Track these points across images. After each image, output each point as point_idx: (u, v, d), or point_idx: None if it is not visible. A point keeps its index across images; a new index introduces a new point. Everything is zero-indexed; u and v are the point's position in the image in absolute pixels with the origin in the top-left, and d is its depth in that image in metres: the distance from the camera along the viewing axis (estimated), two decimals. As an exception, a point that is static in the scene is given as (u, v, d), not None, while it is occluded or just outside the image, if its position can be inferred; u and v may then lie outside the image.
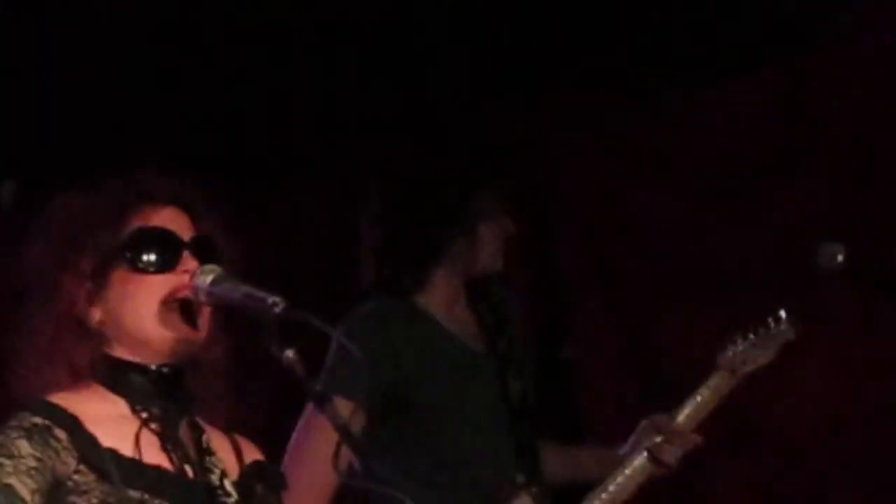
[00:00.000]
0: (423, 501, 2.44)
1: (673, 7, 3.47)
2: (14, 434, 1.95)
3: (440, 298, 2.95)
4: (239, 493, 2.07)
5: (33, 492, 1.92)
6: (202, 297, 1.97)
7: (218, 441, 2.13)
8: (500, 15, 3.47)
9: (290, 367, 1.86)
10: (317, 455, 2.71)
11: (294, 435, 2.84)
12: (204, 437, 2.11)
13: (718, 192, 3.89)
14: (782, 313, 2.99)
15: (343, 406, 2.36)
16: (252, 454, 2.18)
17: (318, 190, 3.97)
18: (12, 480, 1.93)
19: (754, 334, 2.99)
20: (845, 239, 2.86)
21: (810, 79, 3.71)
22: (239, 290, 1.95)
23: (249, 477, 2.13)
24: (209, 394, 2.11)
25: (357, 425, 2.58)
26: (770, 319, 2.99)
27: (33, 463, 1.96)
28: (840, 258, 2.63)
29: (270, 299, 1.89)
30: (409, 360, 2.86)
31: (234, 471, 2.11)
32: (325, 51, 3.72)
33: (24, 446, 1.95)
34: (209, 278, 1.96)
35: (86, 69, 3.64)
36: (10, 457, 1.94)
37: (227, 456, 2.14)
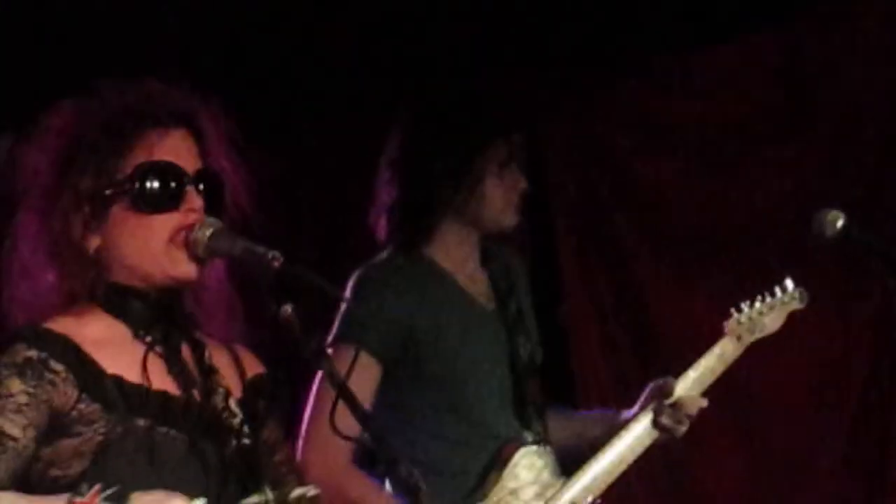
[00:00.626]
0: (431, 453, 2.77)
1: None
2: (5, 372, 1.94)
3: (451, 254, 2.96)
4: (244, 412, 2.06)
5: (24, 427, 1.91)
6: (200, 252, 1.95)
7: (218, 355, 2.11)
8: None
9: (287, 323, 1.85)
10: (323, 412, 2.78)
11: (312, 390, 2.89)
12: (206, 355, 2.09)
13: (714, 158, 3.97)
14: (789, 282, 3.01)
15: (353, 356, 2.21)
16: (253, 367, 2.16)
17: (327, 134, 4.00)
18: None
19: (761, 302, 3.02)
20: (842, 206, 2.80)
21: (803, 45, 3.81)
22: (238, 246, 1.94)
23: (252, 393, 2.12)
24: (207, 311, 2.10)
25: (368, 376, 2.71)
26: (777, 288, 3.00)
27: (24, 399, 1.94)
28: (840, 225, 2.58)
29: (269, 254, 1.87)
30: (418, 310, 2.88)
31: (236, 387, 2.10)
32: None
33: (14, 384, 1.94)
34: (208, 232, 1.94)
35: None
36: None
37: (229, 371, 2.12)
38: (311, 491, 2.06)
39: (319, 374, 2.56)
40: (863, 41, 3.77)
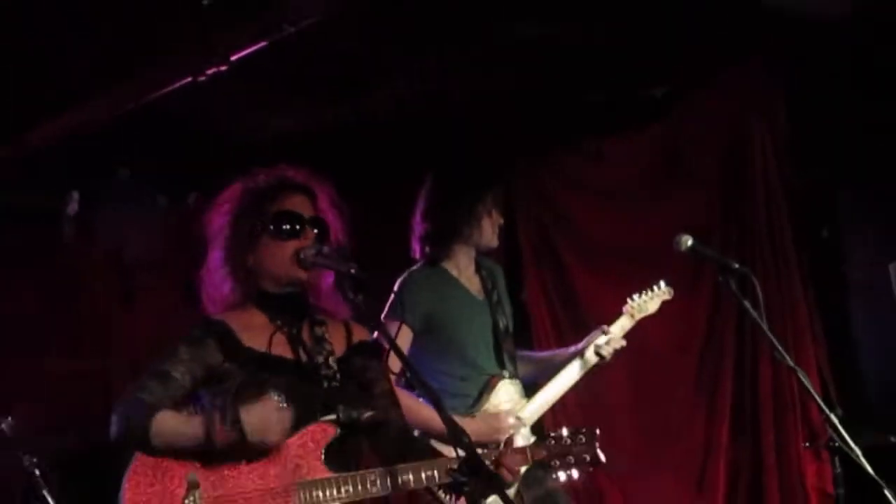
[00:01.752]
0: (445, 384, 3.38)
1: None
2: (179, 343, 2.54)
3: (459, 265, 3.60)
4: (339, 367, 2.54)
5: (183, 373, 2.49)
6: (307, 264, 2.50)
7: (334, 329, 2.60)
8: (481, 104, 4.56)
9: (359, 306, 2.42)
10: None
11: None
12: (320, 330, 2.58)
13: (621, 203, 4.88)
14: (662, 283, 3.77)
15: (398, 327, 3.15)
16: (361, 335, 2.63)
17: (381, 195, 4.62)
18: (167, 367, 2.49)
19: (646, 294, 3.74)
20: (694, 231, 3.21)
21: (675, 132, 4.74)
22: (328, 260, 2.47)
23: (351, 353, 2.60)
24: (323, 301, 2.59)
25: (405, 339, 3.38)
26: (655, 286, 3.76)
27: (186, 356, 2.52)
28: (689, 244, 3.02)
29: (346, 265, 2.42)
30: (438, 301, 3.52)
31: (340, 349, 2.58)
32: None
33: (182, 349, 2.53)
34: (312, 251, 2.50)
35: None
36: (172, 356, 2.52)
37: (338, 339, 2.60)
38: (387, 414, 2.60)
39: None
40: (709, 127, 4.68)
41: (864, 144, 4.27)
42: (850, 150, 4.33)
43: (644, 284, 3.74)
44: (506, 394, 3.48)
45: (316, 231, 2.54)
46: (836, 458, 3.05)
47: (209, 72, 3.93)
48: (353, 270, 2.37)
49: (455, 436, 2.27)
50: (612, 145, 4.84)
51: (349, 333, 2.62)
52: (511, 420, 3.40)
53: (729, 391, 4.59)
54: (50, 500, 3.49)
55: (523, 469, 2.60)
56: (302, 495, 2.42)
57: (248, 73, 4.04)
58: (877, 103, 4.17)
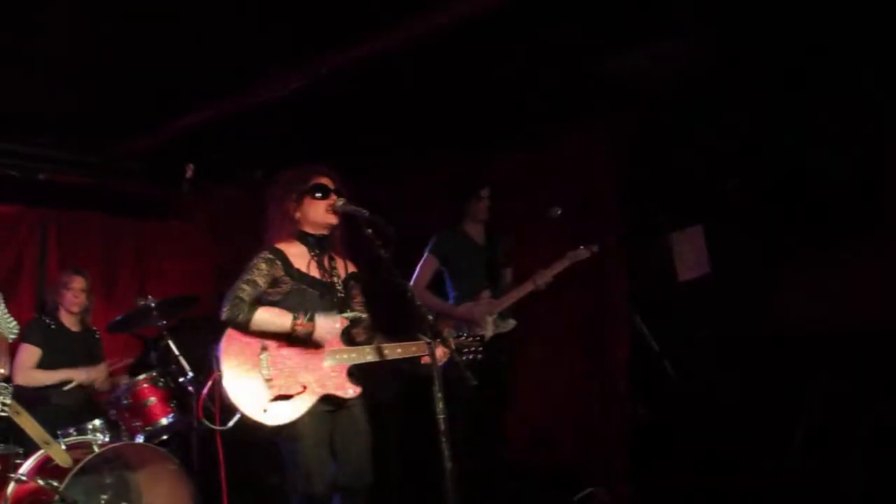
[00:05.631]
0: (458, 295, 5.38)
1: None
2: (258, 259, 3.70)
3: (469, 228, 5.34)
4: (343, 287, 3.83)
5: (264, 283, 3.71)
6: (338, 211, 3.68)
7: (339, 261, 3.84)
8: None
9: (377, 243, 3.52)
10: (420, 275, 5.32)
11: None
12: (332, 261, 3.77)
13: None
14: (582, 246, 5.06)
15: (431, 258, 5.26)
16: (351, 268, 3.89)
17: (413, 178, 6.16)
18: (254, 276, 3.67)
19: (581, 248, 5.11)
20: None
21: (536, 167, 5.91)
22: (353, 208, 3.58)
23: (348, 279, 3.89)
24: (336, 243, 3.77)
25: (434, 266, 5.33)
26: (575, 250, 5.06)
27: (265, 270, 3.71)
28: (557, 213, 4.99)
29: (362, 210, 3.46)
30: (454, 247, 5.26)
31: (342, 275, 3.84)
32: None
33: (262, 265, 3.71)
34: (340, 202, 3.69)
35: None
36: (256, 268, 3.69)
37: (341, 269, 3.84)
38: (364, 314, 3.91)
39: (424, 257, 5.25)
40: (570, 166, 5.86)
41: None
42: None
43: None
44: (488, 300, 5.32)
45: (338, 195, 3.78)
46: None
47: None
48: (367, 213, 3.50)
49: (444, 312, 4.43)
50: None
51: (346, 265, 3.96)
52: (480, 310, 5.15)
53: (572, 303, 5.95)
54: (174, 348, 5.03)
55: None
56: (329, 357, 3.82)
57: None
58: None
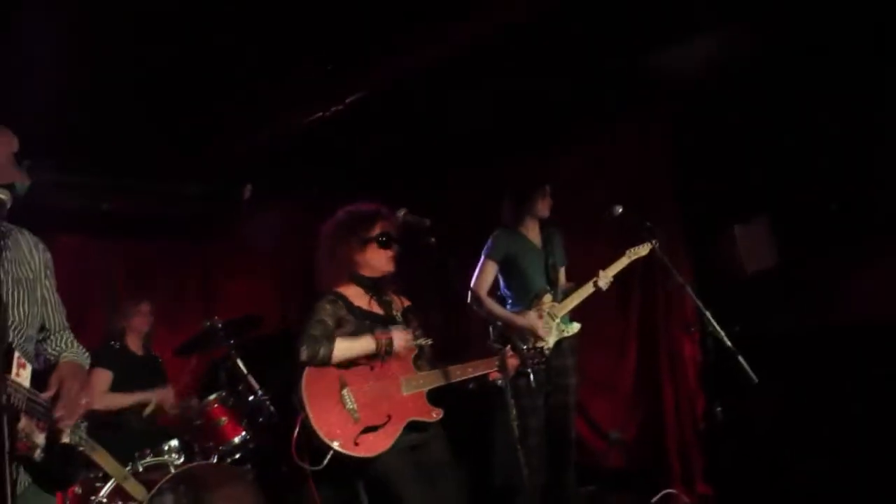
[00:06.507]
0: (515, 295, 5.20)
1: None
2: (322, 301, 3.80)
3: (527, 228, 5.25)
4: (403, 319, 3.94)
5: (332, 322, 3.76)
6: (401, 220, 3.82)
7: (394, 298, 3.97)
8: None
9: (433, 248, 3.66)
10: (480, 279, 5.14)
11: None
12: (388, 297, 3.92)
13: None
14: (641, 243, 4.90)
15: (490, 263, 5.06)
16: (405, 303, 4.00)
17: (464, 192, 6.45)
18: (322, 317, 3.75)
19: (640, 246, 4.94)
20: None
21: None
22: (415, 218, 3.74)
23: (405, 313, 3.99)
24: (391, 283, 3.87)
25: (493, 270, 5.15)
26: (643, 242, 4.85)
27: (330, 310, 3.80)
28: (618, 212, 4.51)
29: (426, 220, 3.69)
30: (514, 248, 5.13)
31: (399, 309, 3.93)
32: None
33: (327, 305, 3.80)
34: (401, 212, 3.80)
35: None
36: (322, 310, 3.76)
37: (397, 304, 3.98)
38: (429, 341, 3.97)
39: (481, 263, 5.09)
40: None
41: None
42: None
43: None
44: (549, 301, 5.12)
45: (399, 244, 3.91)
46: (707, 339, 4.25)
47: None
48: (428, 223, 3.74)
49: (506, 321, 4.40)
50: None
51: (401, 301, 4.08)
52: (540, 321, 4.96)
53: (637, 303, 6.08)
54: (243, 367, 5.23)
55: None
56: (405, 385, 3.90)
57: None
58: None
